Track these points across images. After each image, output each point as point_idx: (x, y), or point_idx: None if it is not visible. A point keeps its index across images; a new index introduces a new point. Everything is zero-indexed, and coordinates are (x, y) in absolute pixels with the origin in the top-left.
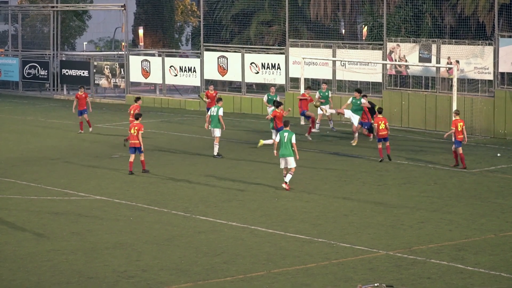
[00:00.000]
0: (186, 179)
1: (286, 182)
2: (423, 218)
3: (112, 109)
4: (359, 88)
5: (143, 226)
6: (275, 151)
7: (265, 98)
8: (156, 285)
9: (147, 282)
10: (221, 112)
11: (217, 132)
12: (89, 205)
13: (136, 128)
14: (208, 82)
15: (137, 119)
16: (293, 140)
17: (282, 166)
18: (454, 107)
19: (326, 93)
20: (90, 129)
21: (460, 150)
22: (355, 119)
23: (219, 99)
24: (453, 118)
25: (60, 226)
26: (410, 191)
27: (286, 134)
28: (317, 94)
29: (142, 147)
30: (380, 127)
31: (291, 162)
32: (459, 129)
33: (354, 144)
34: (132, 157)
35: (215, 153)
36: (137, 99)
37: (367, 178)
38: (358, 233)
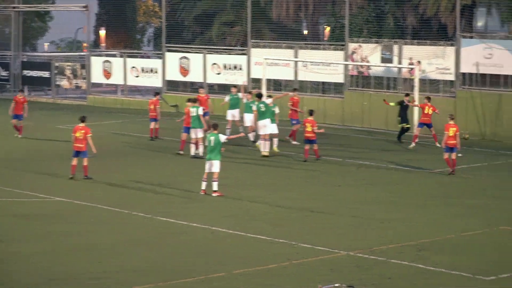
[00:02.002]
0: (148, 180)
1: (215, 191)
2: (384, 219)
3: (73, 110)
4: (260, 93)
5: (104, 228)
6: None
7: (226, 98)
8: (117, 287)
9: (109, 283)
10: (201, 111)
11: (200, 133)
12: (50, 207)
13: (83, 131)
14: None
15: (83, 121)
16: (223, 140)
17: (207, 170)
18: (416, 108)
19: (236, 96)
20: (20, 136)
21: (449, 155)
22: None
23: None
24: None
25: (21, 228)
26: (371, 192)
27: (213, 137)
28: (226, 98)
29: (94, 149)
30: (307, 129)
31: (217, 166)
32: (451, 134)
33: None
34: (74, 161)
35: (193, 153)
36: (156, 94)
37: (329, 178)
38: (319, 234)
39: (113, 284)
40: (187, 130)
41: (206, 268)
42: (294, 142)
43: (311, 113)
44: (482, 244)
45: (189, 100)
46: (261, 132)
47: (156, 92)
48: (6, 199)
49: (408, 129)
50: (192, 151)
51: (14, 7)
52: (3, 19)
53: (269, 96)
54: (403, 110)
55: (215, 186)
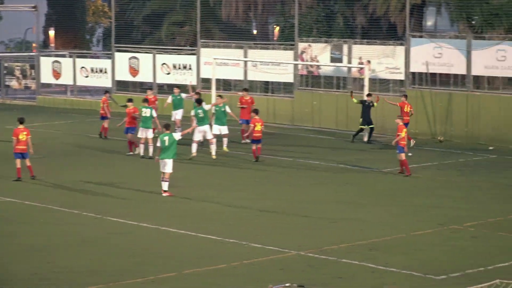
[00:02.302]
0: (98, 180)
1: (165, 191)
2: (335, 218)
3: (22, 110)
4: (200, 99)
5: (54, 228)
6: (156, 158)
7: (169, 99)
8: (68, 287)
9: (59, 283)
10: (154, 114)
11: (150, 133)
12: (2, 208)
13: (25, 133)
14: (150, 84)
15: (22, 123)
16: (178, 137)
17: (162, 169)
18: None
19: (179, 97)
20: None
21: (403, 156)
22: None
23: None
24: (399, 123)
25: None
26: (322, 191)
27: (166, 137)
28: (169, 99)
29: (31, 150)
30: (256, 129)
31: (170, 166)
32: (403, 135)
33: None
34: (18, 163)
35: (143, 154)
36: (106, 92)
37: (279, 178)
38: (269, 234)
39: (65, 285)
40: (131, 130)
41: (157, 268)
42: (244, 141)
43: (256, 112)
44: (433, 244)
45: (129, 100)
46: (197, 138)
47: (106, 90)
48: None
49: (371, 129)
50: (141, 151)
51: None
52: None
53: (220, 96)
54: (366, 110)
55: (165, 186)
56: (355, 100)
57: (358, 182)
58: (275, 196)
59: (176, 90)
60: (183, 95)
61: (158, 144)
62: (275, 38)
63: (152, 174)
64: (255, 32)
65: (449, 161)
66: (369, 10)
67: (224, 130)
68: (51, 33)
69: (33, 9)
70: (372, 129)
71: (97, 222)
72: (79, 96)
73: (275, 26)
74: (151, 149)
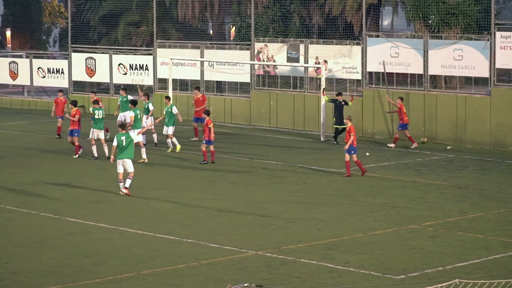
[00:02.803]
0: (55, 181)
1: (126, 188)
2: (292, 218)
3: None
4: (134, 100)
5: (12, 229)
6: (112, 157)
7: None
8: None
9: (17, 285)
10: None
11: (102, 134)
12: None
13: None
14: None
15: None
16: (136, 139)
17: (120, 170)
18: (323, 107)
19: (125, 99)
20: None
21: (355, 157)
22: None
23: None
24: (349, 124)
25: None
26: (279, 191)
27: (123, 137)
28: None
29: None
30: (213, 130)
31: (131, 165)
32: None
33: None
34: None
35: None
36: (60, 91)
37: (236, 178)
38: (227, 234)
39: (23, 286)
40: (76, 132)
41: (115, 268)
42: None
43: (208, 113)
44: (391, 243)
45: (72, 102)
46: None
47: (60, 90)
48: None
49: (344, 130)
50: (95, 152)
51: None
52: None
53: (166, 98)
54: (339, 110)
55: (128, 183)
56: (326, 98)
57: (315, 182)
58: (232, 196)
59: (122, 92)
60: (130, 96)
61: (114, 144)
62: (231, 38)
63: (108, 174)
64: (211, 32)
65: (406, 161)
66: (325, 10)
67: (170, 130)
68: (8, 33)
69: None
70: (343, 129)
71: (55, 222)
72: (36, 96)
73: (231, 26)
74: (106, 149)
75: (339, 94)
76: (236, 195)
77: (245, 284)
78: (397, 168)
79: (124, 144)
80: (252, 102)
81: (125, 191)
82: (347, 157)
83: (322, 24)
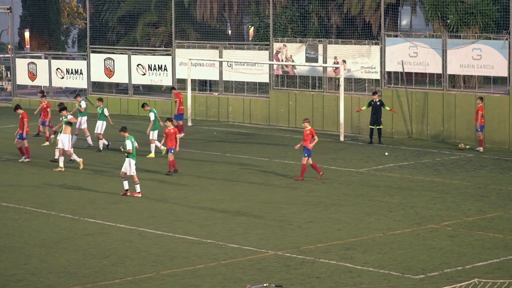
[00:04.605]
0: (74, 182)
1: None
2: (311, 218)
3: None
4: (63, 107)
5: (31, 229)
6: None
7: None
8: None
9: (35, 285)
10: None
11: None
12: None
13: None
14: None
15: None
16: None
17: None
18: (342, 107)
19: (100, 112)
20: None
21: (310, 160)
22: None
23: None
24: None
25: None
26: (297, 191)
27: (133, 139)
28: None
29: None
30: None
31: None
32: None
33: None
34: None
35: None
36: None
37: (254, 178)
38: (246, 234)
39: (42, 286)
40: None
41: (135, 269)
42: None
43: (170, 120)
44: (410, 243)
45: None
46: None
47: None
48: None
49: (380, 130)
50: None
51: None
52: None
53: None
54: (375, 109)
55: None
56: (364, 108)
57: (333, 182)
58: (251, 196)
59: (99, 103)
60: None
61: (129, 147)
62: (250, 38)
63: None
64: (230, 32)
65: (425, 161)
66: (343, 10)
67: (153, 135)
68: (26, 34)
69: (8, 11)
70: (379, 129)
71: (74, 223)
72: (55, 97)
73: (250, 26)
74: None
75: (375, 93)
76: (254, 196)
77: (265, 284)
78: (416, 167)
79: (136, 145)
80: (271, 102)
81: (138, 195)
82: (310, 160)
83: (341, 24)
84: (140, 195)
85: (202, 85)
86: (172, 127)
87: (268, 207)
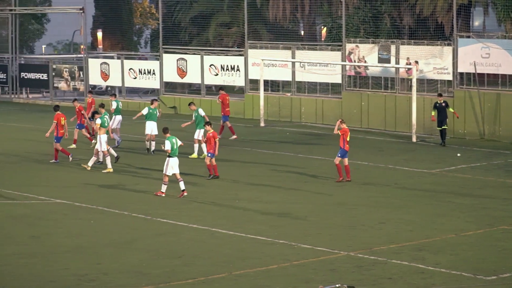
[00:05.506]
0: (146, 182)
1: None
2: (383, 219)
3: (71, 111)
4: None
5: (103, 229)
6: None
7: (145, 110)
8: None
9: (108, 285)
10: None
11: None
12: (49, 209)
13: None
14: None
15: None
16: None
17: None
18: (414, 108)
19: (155, 112)
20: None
21: (346, 161)
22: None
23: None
24: (344, 126)
25: (20, 230)
26: (369, 192)
27: (174, 140)
28: (144, 110)
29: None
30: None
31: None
32: (348, 139)
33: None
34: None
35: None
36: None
37: (326, 179)
38: (318, 234)
39: (113, 286)
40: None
41: (207, 269)
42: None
43: (209, 124)
44: (482, 244)
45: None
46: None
47: (89, 90)
48: (4, 202)
49: (444, 131)
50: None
51: (10, 10)
52: (0, 22)
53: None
54: (441, 111)
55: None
56: (433, 113)
57: (405, 182)
58: (323, 197)
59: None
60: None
61: (167, 147)
62: (322, 39)
63: (197, 176)
64: (302, 33)
65: (497, 162)
66: (416, 11)
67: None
68: (99, 34)
69: (81, 11)
70: (444, 130)
71: (146, 223)
72: (128, 97)
73: (322, 26)
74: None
75: (440, 95)
76: (326, 196)
77: (337, 285)
78: (488, 169)
79: (175, 146)
80: (343, 103)
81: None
82: (337, 160)
83: (413, 24)
84: (163, 195)
85: (275, 85)
86: (212, 130)
87: (341, 207)
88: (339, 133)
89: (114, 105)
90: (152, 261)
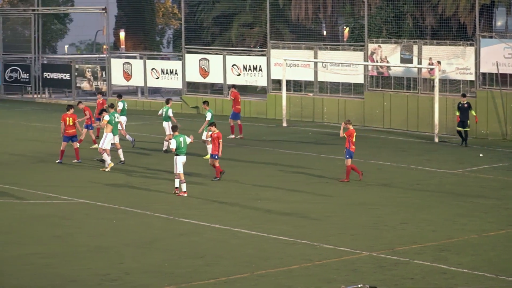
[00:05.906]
0: (168, 182)
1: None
2: (405, 219)
3: (93, 111)
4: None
5: (125, 229)
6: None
7: (160, 111)
8: None
9: (129, 285)
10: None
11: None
12: (71, 208)
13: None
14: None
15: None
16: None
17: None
18: (436, 108)
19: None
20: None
21: (350, 162)
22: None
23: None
24: (350, 127)
25: (42, 230)
26: (391, 192)
27: (182, 138)
28: (160, 111)
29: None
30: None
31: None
32: (354, 140)
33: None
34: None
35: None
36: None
37: (349, 179)
38: (340, 234)
39: (136, 286)
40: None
41: (228, 269)
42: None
43: (214, 124)
44: (505, 245)
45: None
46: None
47: (99, 92)
48: (27, 201)
49: (466, 132)
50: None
51: (33, 10)
52: (23, 22)
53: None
54: (463, 112)
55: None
56: (458, 113)
57: (428, 183)
58: (345, 197)
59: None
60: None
61: (173, 146)
62: (345, 39)
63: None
64: (324, 33)
65: None
66: (438, 11)
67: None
68: (122, 34)
69: (103, 11)
70: (466, 131)
71: (168, 223)
72: (150, 97)
73: (344, 27)
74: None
75: (464, 95)
76: (348, 196)
77: (359, 285)
78: (510, 169)
79: (183, 145)
80: (366, 103)
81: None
82: (349, 161)
83: (435, 25)
84: (185, 195)
85: (297, 85)
86: (217, 131)
87: (363, 207)
88: (345, 136)
89: (120, 105)
90: (174, 261)
